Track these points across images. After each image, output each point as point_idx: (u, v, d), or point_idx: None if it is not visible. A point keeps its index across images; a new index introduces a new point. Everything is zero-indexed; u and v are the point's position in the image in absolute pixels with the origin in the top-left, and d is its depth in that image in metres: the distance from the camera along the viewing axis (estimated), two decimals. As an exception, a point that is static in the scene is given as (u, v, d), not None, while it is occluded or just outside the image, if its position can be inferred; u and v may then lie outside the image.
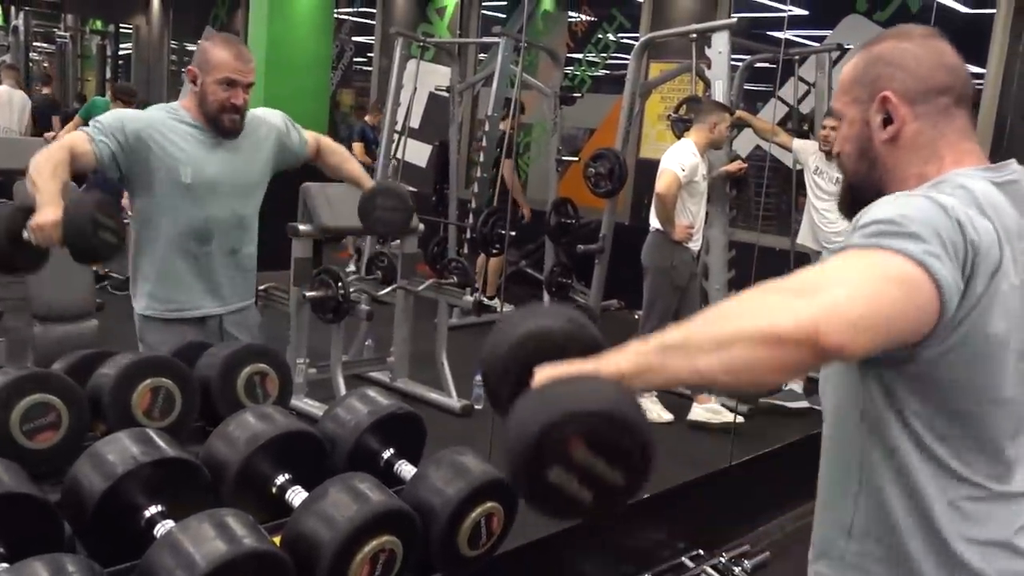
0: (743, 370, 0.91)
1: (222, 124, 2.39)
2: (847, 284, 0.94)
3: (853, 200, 1.24)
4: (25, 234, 2.04)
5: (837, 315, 0.90)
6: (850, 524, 1.20)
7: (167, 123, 2.38)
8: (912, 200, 1.05)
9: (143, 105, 2.58)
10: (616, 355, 0.97)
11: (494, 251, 5.85)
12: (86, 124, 7.67)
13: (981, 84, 5.38)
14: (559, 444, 0.87)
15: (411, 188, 6.09)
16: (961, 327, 1.04)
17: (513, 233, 6.16)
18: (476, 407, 4.35)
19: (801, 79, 5.64)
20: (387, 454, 1.66)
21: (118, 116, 2.35)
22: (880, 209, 1.05)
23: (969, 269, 1.02)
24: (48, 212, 2.01)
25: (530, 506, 0.92)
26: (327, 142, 2.74)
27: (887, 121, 1.18)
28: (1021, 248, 1.10)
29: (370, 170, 6.24)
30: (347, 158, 2.77)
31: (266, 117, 2.59)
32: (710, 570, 2.71)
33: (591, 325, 1.07)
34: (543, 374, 0.95)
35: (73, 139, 2.27)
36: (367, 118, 7.75)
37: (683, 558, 2.73)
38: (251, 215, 2.57)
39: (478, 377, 4.43)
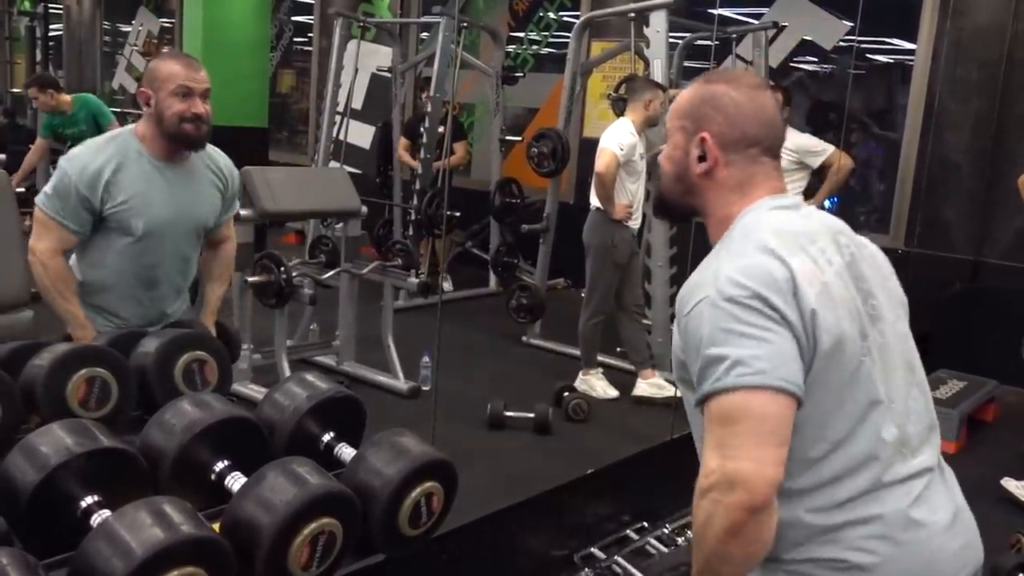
0: (755, 553, 1.16)
1: (184, 133, 2.25)
2: (733, 456, 1.13)
3: (664, 209, 1.45)
4: None
5: (751, 483, 1.11)
6: None
7: (117, 162, 2.25)
8: (703, 312, 1.19)
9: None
10: None
11: (437, 232, 5.84)
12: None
13: (912, 60, 5.51)
14: None
15: (355, 170, 6.07)
16: (815, 355, 1.18)
17: (458, 214, 6.16)
18: (423, 388, 4.35)
19: (739, 57, 5.71)
20: (327, 437, 1.67)
21: (73, 187, 2.22)
22: (703, 340, 1.18)
23: (784, 307, 1.16)
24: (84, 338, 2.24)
25: None
26: (231, 252, 2.67)
27: (702, 158, 1.31)
28: (819, 247, 1.25)
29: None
30: (223, 281, 2.65)
31: (230, 164, 2.52)
32: (654, 541, 2.77)
33: None
34: None
35: (58, 238, 2.25)
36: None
37: (628, 531, 2.78)
38: (195, 257, 2.51)
39: (425, 359, 4.45)
